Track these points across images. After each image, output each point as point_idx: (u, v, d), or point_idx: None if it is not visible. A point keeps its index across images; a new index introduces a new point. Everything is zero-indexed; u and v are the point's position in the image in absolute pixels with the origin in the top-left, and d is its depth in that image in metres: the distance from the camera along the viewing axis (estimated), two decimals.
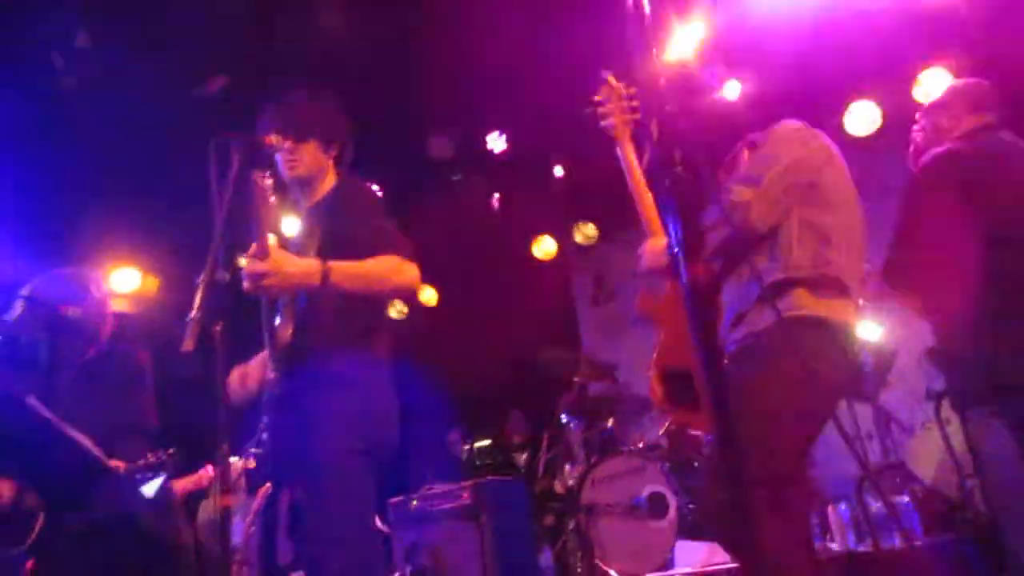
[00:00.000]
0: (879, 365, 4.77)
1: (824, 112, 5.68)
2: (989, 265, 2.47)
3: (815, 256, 2.15)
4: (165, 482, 2.28)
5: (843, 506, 3.83)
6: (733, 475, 1.68)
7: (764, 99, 5.16)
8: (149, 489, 2.24)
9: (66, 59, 4.53)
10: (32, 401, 2.09)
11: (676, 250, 1.08)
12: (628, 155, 2.79)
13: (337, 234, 2.44)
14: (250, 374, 2.53)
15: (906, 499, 3.79)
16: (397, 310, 7.74)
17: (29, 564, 2.72)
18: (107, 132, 4.91)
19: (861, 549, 3.54)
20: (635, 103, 2.81)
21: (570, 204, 6.81)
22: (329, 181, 2.64)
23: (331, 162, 2.64)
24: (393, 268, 2.34)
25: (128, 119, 4.88)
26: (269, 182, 2.26)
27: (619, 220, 6.29)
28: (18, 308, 2.66)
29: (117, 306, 5.03)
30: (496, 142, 6.23)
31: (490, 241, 6.93)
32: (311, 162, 2.57)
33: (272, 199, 2.31)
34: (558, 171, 6.48)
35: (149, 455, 2.61)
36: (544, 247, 7.12)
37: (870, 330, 4.95)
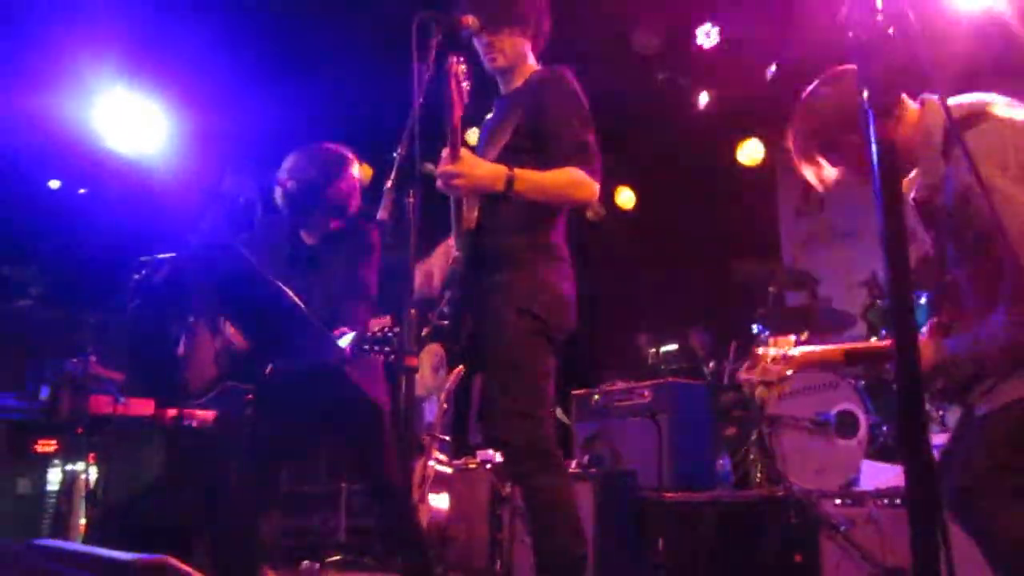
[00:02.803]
0: None
1: None
2: None
3: None
4: (360, 339, 2.47)
5: None
6: None
7: None
8: (344, 342, 2.45)
9: None
10: (246, 255, 2.33)
11: (867, 107, 0.99)
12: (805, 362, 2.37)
13: (532, 127, 2.48)
14: (434, 272, 2.67)
15: None
16: (594, 212, 7.76)
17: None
18: (325, 23, 5.18)
19: None
20: (774, 357, 2.34)
21: (782, 106, 6.41)
22: (529, 66, 2.63)
23: (529, 43, 2.63)
24: (574, 183, 2.40)
25: (346, 9, 5.13)
26: (463, 67, 2.35)
27: None
28: (281, 189, 2.95)
29: None
30: (707, 37, 5.93)
31: (694, 143, 6.70)
32: (511, 51, 2.58)
33: (466, 86, 2.39)
34: (772, 69, 6.09)
35: (373, 324, 2.85)
36: (750, 151, 6.78)
37: None
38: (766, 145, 6.69)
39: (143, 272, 3.67)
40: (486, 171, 2.37)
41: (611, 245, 7.42)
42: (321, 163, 2.99)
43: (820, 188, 2.23)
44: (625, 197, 7.53)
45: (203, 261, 2.48)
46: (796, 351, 2.33)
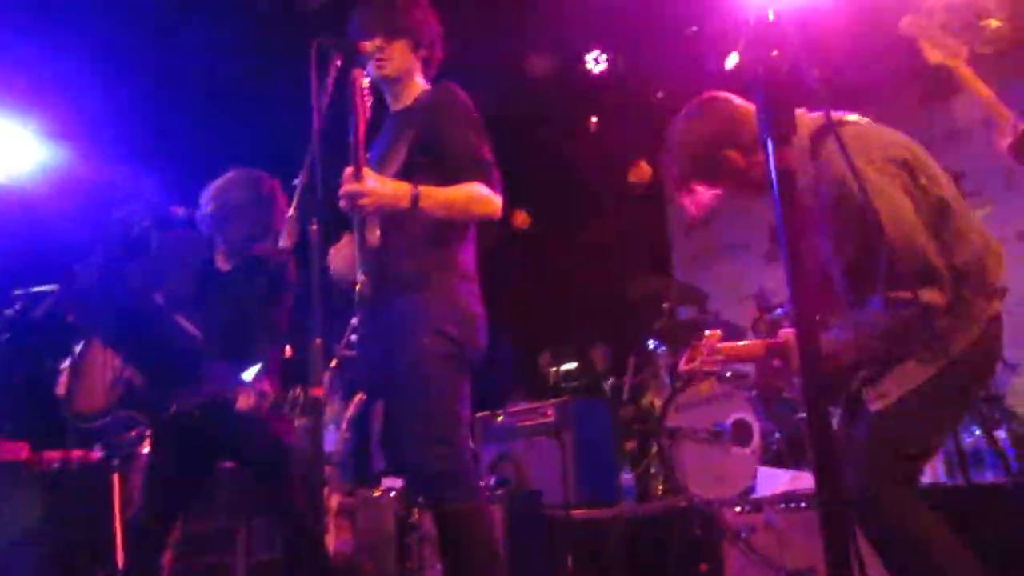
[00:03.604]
0: None
1: None
2: None
3: None
4: (264, 372, 2.40)
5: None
6: None
7: None
8: (247, 375, 2.37)
9: None
10: (140, 287, 2.23)
11: (766, 136, 1.05)
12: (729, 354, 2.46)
13: (428, 144, 2.44)
14: (346, 250, 2.53)
15: (1003, 434, 3.65)
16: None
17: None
18: (217, 43, 5.04)
19: (952, 483, 3.44)
20: (709, 349, 2.44)
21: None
22: (418, 84, 2.60)
23: (420, 64, 2.60)
24: (477, 198, 2.37)
25: (238, 29, 5.00)
26: (367, 80, 2.30)
27: None
28: (206, 208, 2.86)
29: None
30: (595, 62, 6.10)
31: (586, 164, 6.85)
32: (400, 62, 2.54)
33: (368, 100, 2.34)
34: (659, 94, 6.33)
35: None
36: (640, 172, 6.99)
37: None
38: (655, 166, 6.91)
39: (17, 306, 3.44)
40: (391, 189, 2.32)
41: (508, 265, 7.48)
42: (251, 187, 2.92)
43: (696, 214, 2.35)
44: (520, 218, 7.63)
45: (93, 293, 2.34)
46: (722, 345, 2.42)
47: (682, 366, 2.52)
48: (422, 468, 2.33)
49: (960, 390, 2.08)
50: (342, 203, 2.28)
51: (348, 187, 2.26)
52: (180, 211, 2.87)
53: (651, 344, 5.44)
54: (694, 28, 5.73)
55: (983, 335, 2.04)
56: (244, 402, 2.62)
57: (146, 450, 3.06)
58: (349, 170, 2.27)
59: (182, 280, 2.78)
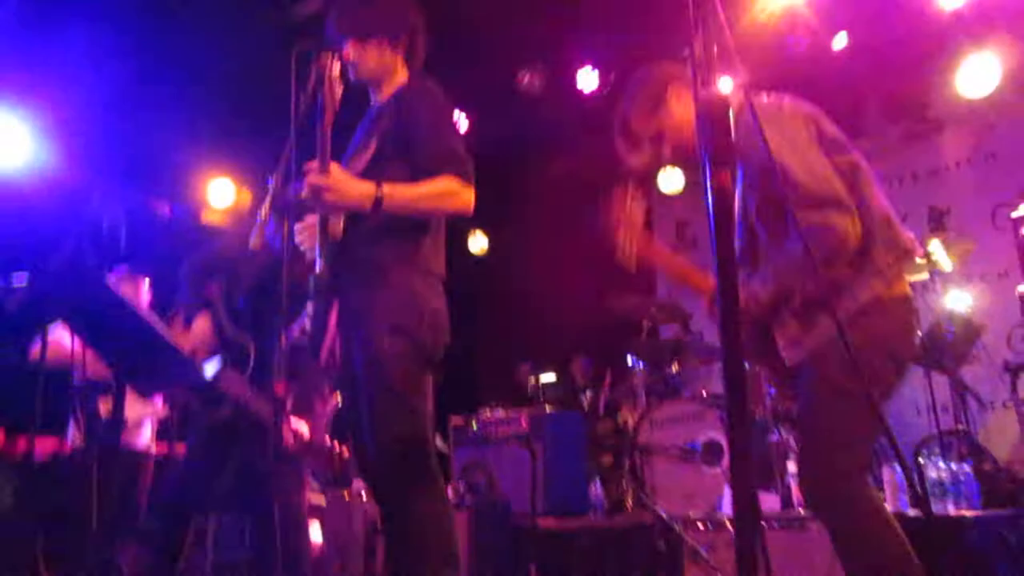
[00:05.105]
0: (963, 337, 4.61)
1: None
2: None
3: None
4: (224, 364, 2.40)
5: (900, 468, 3.76)
6: None
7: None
8: (209, 369, 2.38)
9: None
10: (111, 282, 2.23)
11: (704, 156, 1.09)
12: (659, 255, 2.65)
13: (398, 139, 2.40)
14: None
15: (967, 468, 3.69)
16: (480, 247, 7.89)
17: None
18: (204, 48, 5.08)
19: (912, 513, 3.48)
20: (636, 200, 2.59)
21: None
22: (399, 78, 2.55)
23: (400, 57, 2.56)
24: (448, 192, 2.31)
25: (225, 34, 5.04)
26: (338, 66, 2.28)
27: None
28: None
29: (211, 218, 5.20)
30: (587, 79, 6.16)
31: (574, 180, 6.89)
32: (375, 62, 2.51)
33: (339, 89, 2.32)
34: None
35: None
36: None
37: (957, 301, 4.78)
38: None
39: None
40: (355, 190, 2.26)
41: (496, 278, 7.52)
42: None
43: (638, 167, 2.42)
44: (510, 232, 7.66)
45: (65, 289, 2.33)
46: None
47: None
48: (385, 467, 2.27)
49: (873, 353, 2.05)
50: (305, 192, 2.24)
51: (313, 179, 2.22)
52: (167, 208, 2.87)
53: (629, 361, 5.47)
54: (687, 51, 5.78)
55: (891, 305, 2.10)
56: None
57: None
58: (314, 163, 2.24)
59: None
